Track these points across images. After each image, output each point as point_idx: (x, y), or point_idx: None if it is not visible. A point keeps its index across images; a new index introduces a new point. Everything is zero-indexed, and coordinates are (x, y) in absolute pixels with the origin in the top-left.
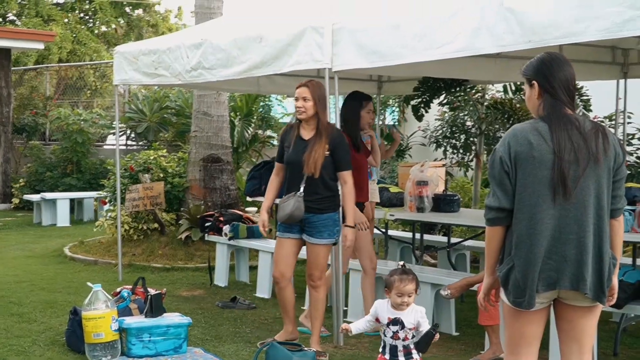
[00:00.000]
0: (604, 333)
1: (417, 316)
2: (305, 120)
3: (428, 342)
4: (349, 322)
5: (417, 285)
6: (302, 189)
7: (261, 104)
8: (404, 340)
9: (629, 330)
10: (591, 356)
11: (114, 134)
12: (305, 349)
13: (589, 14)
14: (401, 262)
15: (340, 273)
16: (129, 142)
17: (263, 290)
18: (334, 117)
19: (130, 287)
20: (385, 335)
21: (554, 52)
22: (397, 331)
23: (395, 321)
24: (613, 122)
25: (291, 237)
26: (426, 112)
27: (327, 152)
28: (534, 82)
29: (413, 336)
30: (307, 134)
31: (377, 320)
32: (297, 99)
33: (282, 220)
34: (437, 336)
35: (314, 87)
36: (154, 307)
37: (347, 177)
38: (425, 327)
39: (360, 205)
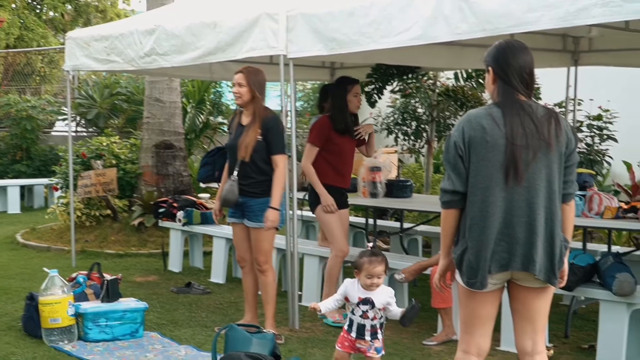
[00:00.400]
0: (554, 316)
1: (386, 297)
2: (243, 106)
3: (414, 316)
4: (305, 307)
5: (387, 266)
6: (235, 173)
7: (213, 90)
8: (372, 319)
9: (579, 313)
10: (544, 337)
11: (62, 120)
12: (264, 330)
13: (542, 2)
14: (370, 244)
15: (295, 258)
16: (79, 129)
17: (217, 276)
18: (288, 104)
19: (86, 272)
20: (353, 314)
21: (512, 39)
22: (366, 310)
23: (366, 301)
24: (563, 109)
25: (236, 221)
26: (379, 98)
27: (260, 137)
28: (489, 68)
29: (381, 316)
30: (245, 119)
31: (346, 299)
32: (234, 85)
33: (221, 205)
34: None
35: (249, 73)
36: (110, 292)
37: (278, 161)
38: (394, 307)
39: (338, 190)
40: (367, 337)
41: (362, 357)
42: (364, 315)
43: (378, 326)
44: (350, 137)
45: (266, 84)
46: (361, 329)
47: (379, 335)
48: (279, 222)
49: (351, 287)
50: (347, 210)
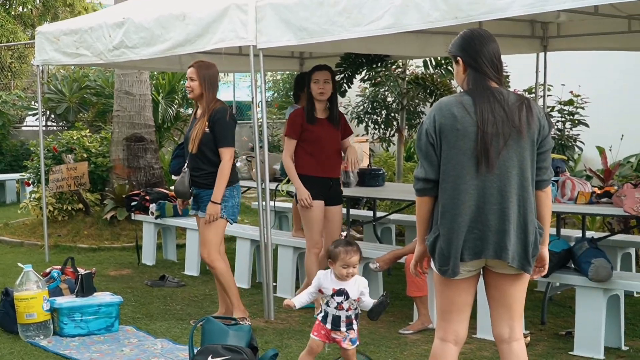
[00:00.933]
0: (530, 302)
1: (360, 287)
2: (196, 100)
3: (381, 311)
4: (280, 298)
5: (361, 255)
6: (186, 165)
7: (183, 82)
8: (347, 310)
9: (555, 299)
10: (521, 323)
11: (33, 115)
12: (241, 322)
13: None
14: (344, 233)
15: (269, 249)
16: (49, 123)
17: (191, 268)
18: (259, 94)
19: (59, 267)
20: (328, 306)
21: (476, 28)
22: (341, 302)
23: (340, 292)
24: (533, 95)
25: (194, 213)
26: (349, 87)
27: (207, 129)
28: (458, 58)
29: (356, 307)
30: (198, 112)
31: (320, 291)
32: (187, 80)
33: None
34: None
35: (200, 67)
36: (85, 287)
37: (223, 154)
38: (367, 298)
39: (323, 181)
40: (343, 329)
41: (337, 348)
42: (339, 306)
43: (353, 317)
44: (327, 125)
45: (218, 77)
46: (336, 320)
47: (354, 326)
48: (219, 216)
49: (324, 279)
50: (339, 207)
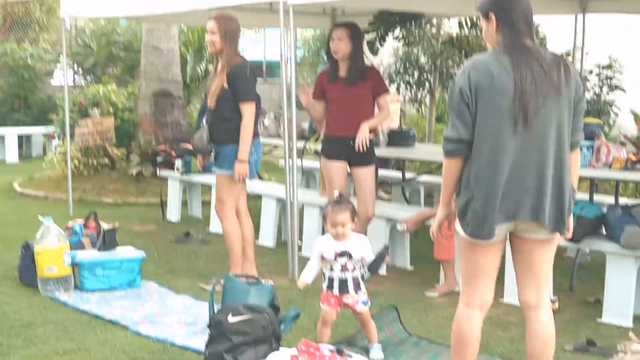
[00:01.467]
0: (559, 268)
1: (362, 245)
2: (217, 55)
3: (379, 263)
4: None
5: (353, 213)
6: (204, 121)
7: None
8: (352, 271)
9: (585, 265)
10: (549, 290)
11: (61, 69)
12: (263, 281)
13: None
14: (336, 192)
15: (295, 207)
16: (77, 78)
17: (216, 225)
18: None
19: (82, 221)
20: (332, 270)
21: None
22: (345, 263)
23: (343, 253)
24: (570, 59)
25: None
26: (381, 46)
27: (226, 85)
28: (490, 14)
29: (361, 267)
30: (219, 67)
31: (322, 258)
32: (207, 33)
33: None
34: (389, 258)
35: (221, 20)
36: (107, 242)
37: (243, 110)
38: (370, 256)
39: (341, 140)
40: (352, 292)
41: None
42: (343, 268)
43: (360, 278)
44: (346, 83)
45: (240, 31)
46: (343, 284)
47: (362, 287)
48: (247, 174)
49: (324, 244)
50: (366, 169)
